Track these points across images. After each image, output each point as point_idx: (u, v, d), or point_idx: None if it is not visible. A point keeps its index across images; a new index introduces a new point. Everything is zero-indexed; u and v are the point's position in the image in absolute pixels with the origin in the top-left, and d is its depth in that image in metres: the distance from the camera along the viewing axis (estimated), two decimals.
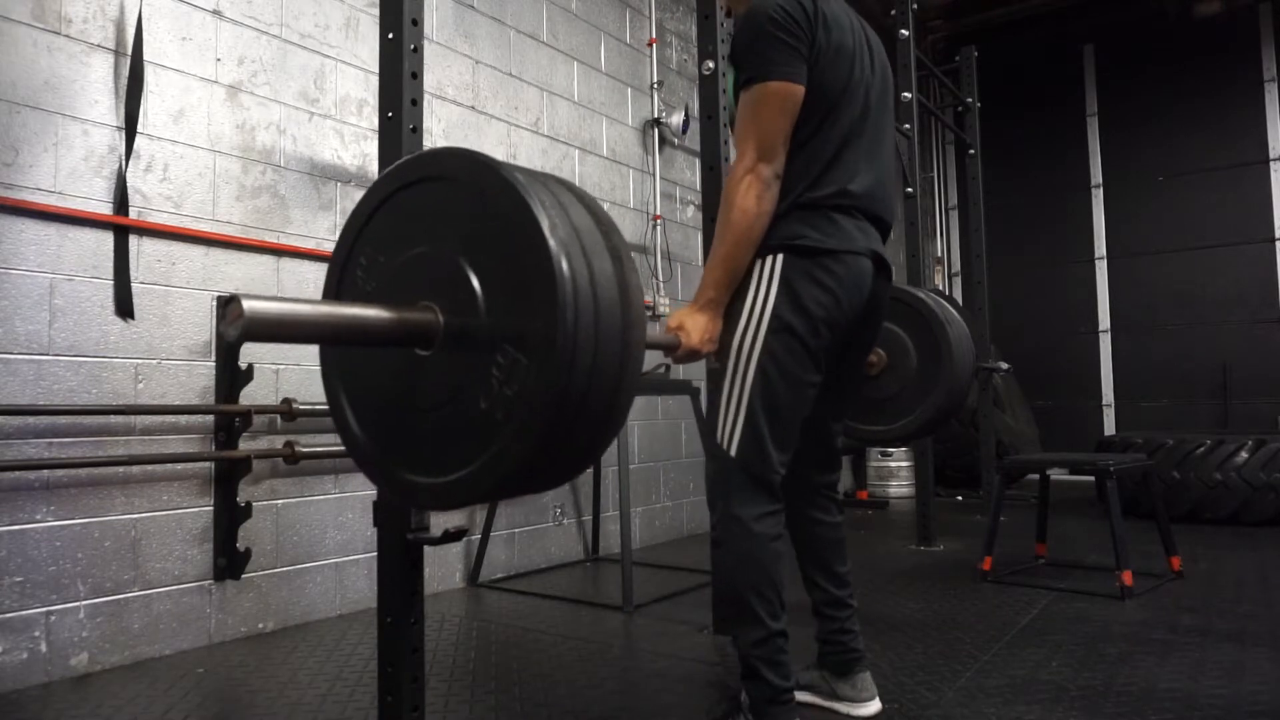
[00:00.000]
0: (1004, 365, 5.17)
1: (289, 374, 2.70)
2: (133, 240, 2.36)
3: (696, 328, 1.63)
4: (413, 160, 1.25)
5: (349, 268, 1.29)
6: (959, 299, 6.88)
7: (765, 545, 1.62)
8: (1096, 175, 7.23)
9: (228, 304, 0.98)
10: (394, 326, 1.12)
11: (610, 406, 1.11)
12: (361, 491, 2.82)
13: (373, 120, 3.01)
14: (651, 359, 4.59)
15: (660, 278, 4.30)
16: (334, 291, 1.31)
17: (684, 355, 1.64)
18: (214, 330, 2.51)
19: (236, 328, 0.97)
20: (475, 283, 1.12)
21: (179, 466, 2.41)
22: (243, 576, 2.50)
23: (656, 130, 4.31)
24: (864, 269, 1.71)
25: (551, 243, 1.05)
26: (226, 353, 2.50)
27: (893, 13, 4.14)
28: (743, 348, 1.64)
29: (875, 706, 1.86)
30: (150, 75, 2.41)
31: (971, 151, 5.13)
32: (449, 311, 1.14)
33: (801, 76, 1.61)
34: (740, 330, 1.64)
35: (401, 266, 1.21)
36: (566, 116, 3.86)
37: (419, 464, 1.19)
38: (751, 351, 1.63)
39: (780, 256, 1.63)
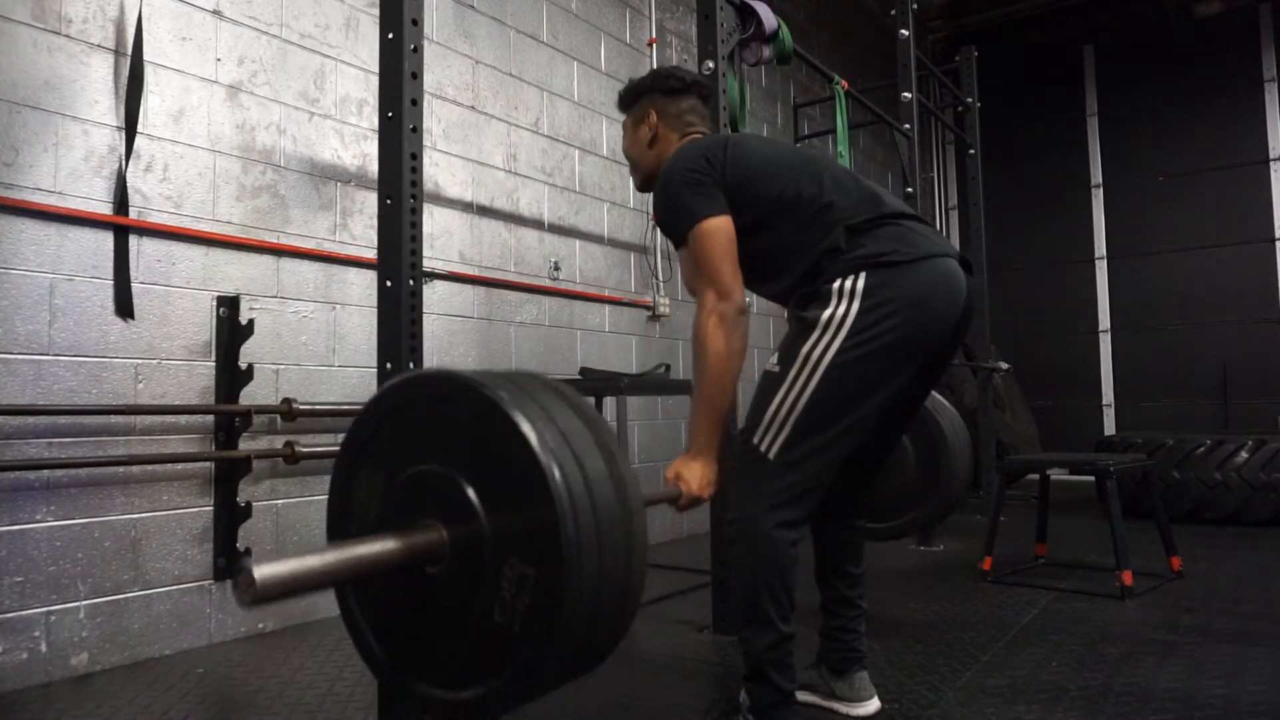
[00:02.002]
0: (1004, 365, 5.17)
1: (289, 374, 2.70)
2: (133, 240, 2.36)
3: (694, 476, 1.63)
4: (398, 384, 1.26)
5: (350, 490, 1.30)
6: None
7: (784, 549, 1.61)
8: (1096, 175, 7.24)
9: (238, 574, 0.98)
10: (404, 553, 1.13)
11: (623, 599, 1.13)
12: None
13: (373, 120, 3.01)
14: (651, 361, 4.56)
15: (660, 278, 4.30)
16: (337, 511, 1.32)
17: (686, 503, 1.64)
18: (214, 330, 2.51)
19: (250, 596, 0.97)
20: (474, 497, 1.13)
21: (179, 466, 2.41)
22: None
23: None
24: (954, 271, 1.66)
25: (541, 456, 1.06)
26: (226, 352, 2.50)
27: (893, 13, 4.14)
28: (810, 358, 1.58)
29: (874, 706, 1.86)
30: (150, 75, 2.41)
31: (971, 151, 5.13)
32: (452, 526, 1.16)
33: (725, 208, 1.67)
34: (813, 340, 1.59)
35: (402, 486, 1.22)
36: (566, 116, 3.86)
37: (441, 680, 1.20)
38: (820, 362, 1.57)
39: (864, 274, 1.58)
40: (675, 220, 1.70)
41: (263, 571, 0.97)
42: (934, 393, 2.68)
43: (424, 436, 1.22)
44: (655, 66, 4.34)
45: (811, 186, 1.68)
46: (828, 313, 1.58)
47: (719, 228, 1.65)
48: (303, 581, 1.03)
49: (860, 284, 1.58)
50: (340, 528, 1.32)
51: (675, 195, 1.70)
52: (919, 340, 1.60)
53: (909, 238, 1.63)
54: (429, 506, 1.18)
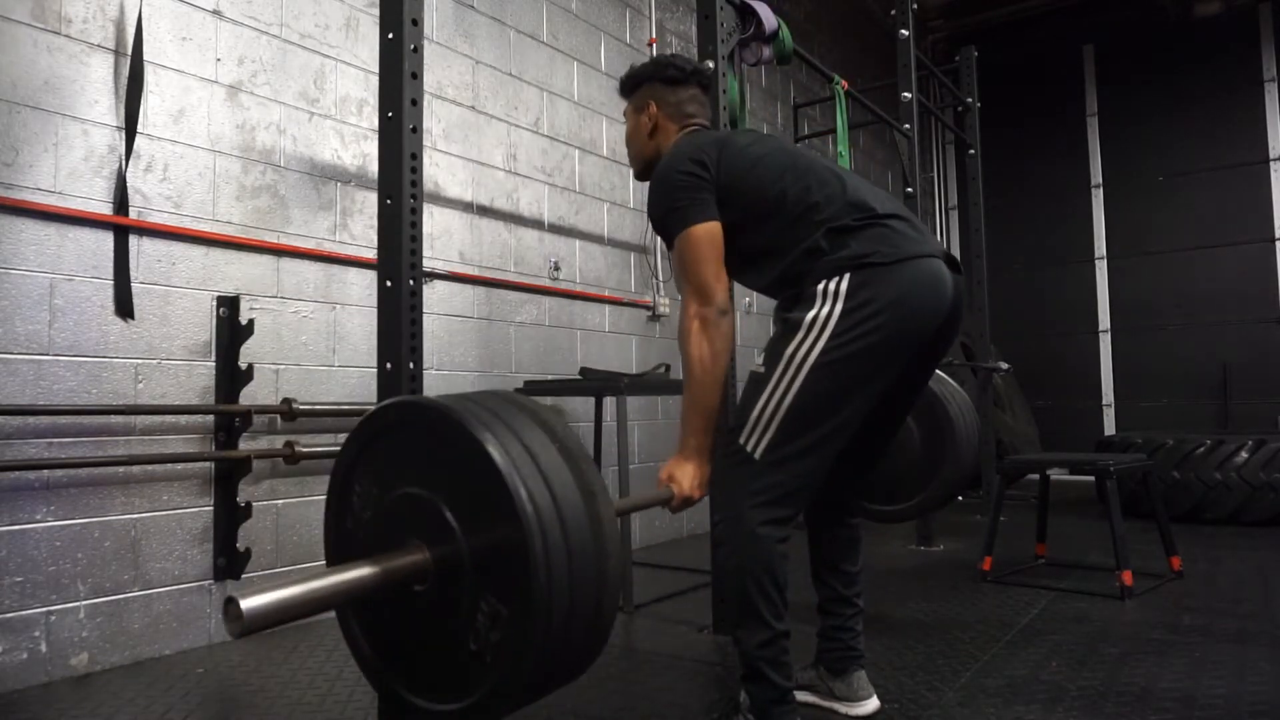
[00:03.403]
0: (1004, 365, 5.17)
1: (289, 374, 2.70)
2: (133, 240, 2.36)
3: (686, 476, 1.66)
4: (376, 413, 1.32)
5: (346, 492, 1.36)
6: None
7: (769, 547, 1.61)
8: (1096, 175, 7.24)
9: (227, 604, 1.03)
10: (386, 578, 1.19)
11: (593, 623, 1.18)
12: None
13: (373, 120, 3.01)
14: (651, 361, 4.56)
15: (660, 278, 4.30)
16: (335, 509, 1.38)
17: (679, 504, 1.67)
18: (214, 330, 2.51)
19: (238, 627, 1.02)
20: (452, 520, 1.19)
21: (179, 466, 2.41)
22: (243, 576, 2.50)
23: None
24: (939, 272, 1.66)
25: (507, 476, 1.11)
26: (226, 353, 2.50)
27: (893, 13, 4.14)
28: (794, 359, 1.60)
29: (873, 705, 1.86)
30: (150, 75, 2.41)
31: (971, 151, 5.13)
32: (434, 547, 1.21)
33: (714, 213, 1.70)
34: (797, 341, 1.60)
35: (391, 503, 1.28)
36: (566, 116, 3.86)
37: (421, 689, 1.27)
38: (804, 363, 1.58)
39: (848, 275, 1.59)
40: (665, 221, 1.73)
41: (249, 603, 1.03)
42: (944, 376, 2.67)
43: (412, 460, 1.27)
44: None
45: (797, 187, 1.69)
46: (811, 314, 1.60)
47: (705, 234, 1.68)
48: (288, 612, 1.08)
49: (844, 285, 1.59)
50: (338, 524, 1.37)
51: (667, 196, 1.72)
52: (903, 340, 1.61)
53: (893, 239, 1.63)
54: (415, 527, 1.23)
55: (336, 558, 1.37)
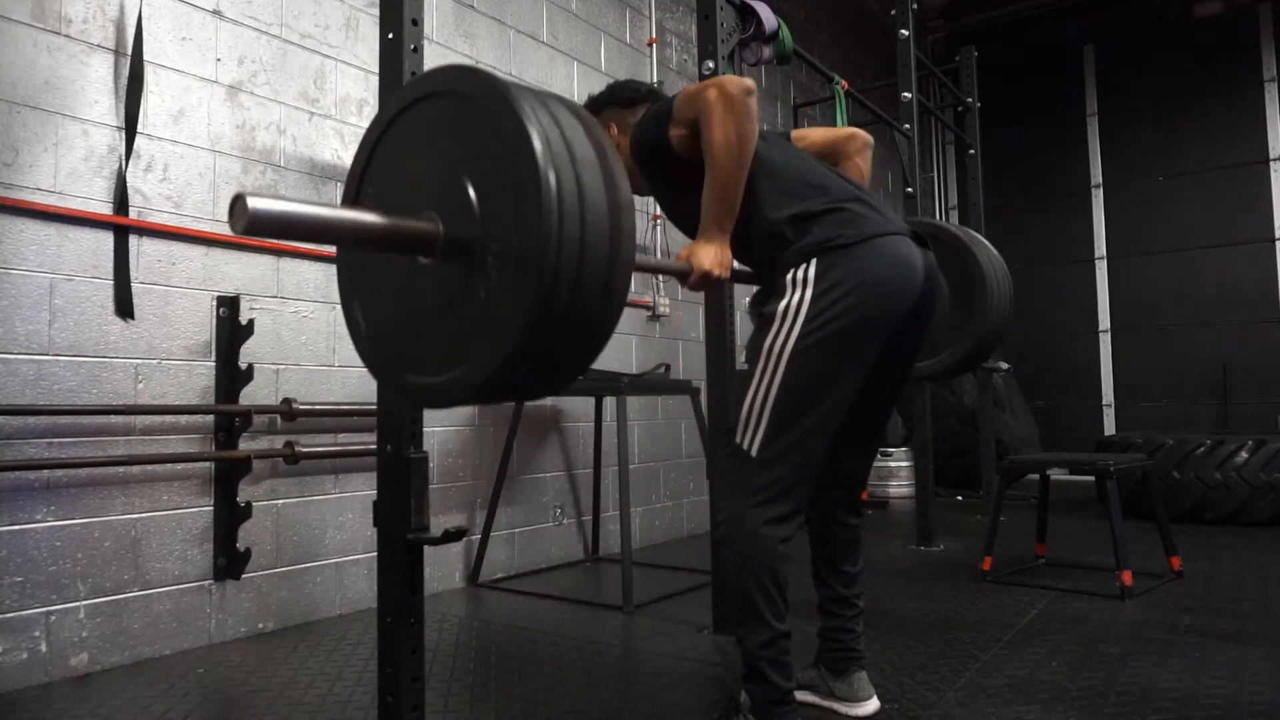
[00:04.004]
0: (1004, 365, 5.17)
1: (289, 374, 2.70)
2: (133, 240, 2.36)
3: (707, 254, 1.64)
4: (422, 77, 1.29)
5: (366, 178, 1.34)
6: None
7: (771, 546, 1.61)
8: (1096, 175, 7.24)
9: (234, 202, 1.01)
10: (392, 232, 1.16)
11: (599, 307, 1.15)
12: (361, 491, 2.82)
13: None
14: (651, 361, 4.55)
15: (660, 277, 4.30)
16: (353, 198, 1.36)
17: (698, 280, 1.65)
18: (214, 330, 2.51)
19: (242, 223, 1.00)
20: (473, 194, 1.16)
21: (179, 466, 2.41)
22: (243, 576, 2.50)
23: None
24: (907, 250, 1.67)
25: (541, 158, 1.08)
26: (226, 353, 2.50)
27: (893, 13, 4.14)
28: (773, 350, 1.61)
29: (873, 705, 1.87)
30: (150, 75, 2.41)
31: (971, 151, 5.13)
32: (450, 221, 1.18)
33: None
34: (773, 332, 1.61)
35: (411, 178, 1.26)
36: None
37: (420, 366, 1.24)
38: (783, 353, 1.60)
39: (814, 260, 1.61)
40: (659, 114, 1.75)
41: (257, 203, 1.01)
42: (975, 234, 2.59)
43: (437, 132, 1.24)
44: (654, 67, 4.35)
45: (763, 173, 1.70)
46: (783, 304, 1.61)
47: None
48: (293, 222, 1.07)
49: (811, 271, 1.61)
50: (358, 190, 1.37)
51: (653, 110, 1.76)
52: (876, 318, 1.61)
53: (856, 221, 1.64)
54: (431, 202, 1.21)
55: None
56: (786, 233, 1.65)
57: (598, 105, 2.02)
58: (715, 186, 1.63)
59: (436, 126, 1.24)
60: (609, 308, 1.17)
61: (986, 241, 2.58)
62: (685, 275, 1.65)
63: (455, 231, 1.17)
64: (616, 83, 2.06)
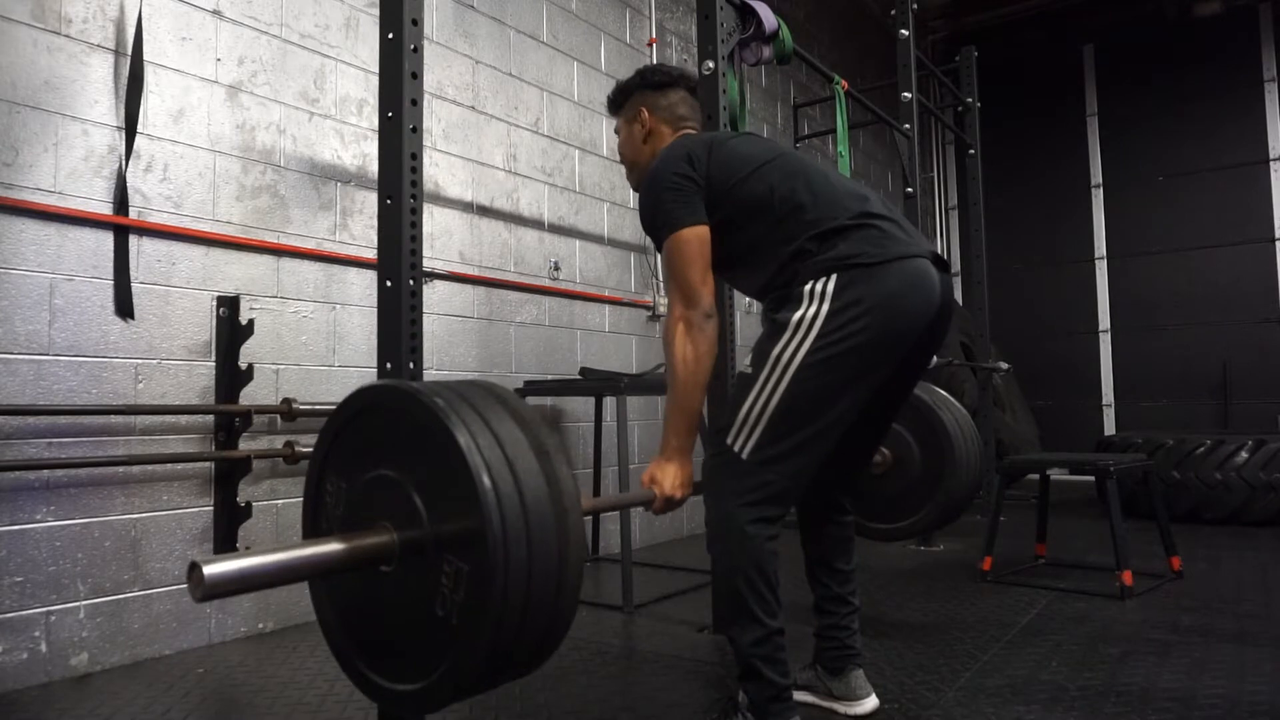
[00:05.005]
0: (1004, 365, 5.17)
1: (289, 374, 2.70)
2: (133, 240, 2.36)
3: (668, 477, 1.67)
4: (350, 397, 1.36)
5: (320, 494, 1.38)
6: (959, 299, 6.87)
7: (759, 545, 1.61)
8: (1096, 175, 7.24)
9: (191, 569, 1.04)
10: (350, 556, 1.19)
11: (556, 593, 1.18)
12: None
13: (373, 120, 3.01)
14: (651, 360, 4.56)
15: (660, 277, 4.30)
16: (310, 516, 1.39)
17: (661, 505, 1.68)
18: (214, 330, 2.51)
19: (199, 591, 1.03)
20: (418, 501, 1.20)
21: (179, 466, 2.41)
22: None
23: None
24: (926, 271, 1.65)
25: (470, 456, 1.12)
26: (226, 353, 2.50)
27: (893, 13, 4.14)
28: (781, 359, 1.60)
29: (871, 704, 1.87)
30: (150, 75, 2.41)
31: (971, 151, 5.13)
32: (401, 528, 1.22)
33: (703, 216, 1.70)
34: (784, 341, 1.60)
35: (362, 489, 1.29)
36: (566, 116, 3.86)
37: (390, 672, 1.27)
38: (790, 364, 1.59)
39: (834, 276, 1.60)
40: (655, 224, 1.74)
41: (211, 570, 1.03)
42: (939, 390, 2.68)
43: (380, 443, 1.28)
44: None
45: (785, 187, 1.69)
46: (798, 314, 1.60)
47: (694, 236, 1.69)
48: (251, 581, 1.09)
49: (830, 286, 1.60)
50: (313, 527, 1.40)
51: (657, 199, 1.73)
52: (890, 341, 1.61)
53: (881, 239, 1.63)
54: (383, 509, 1.24)
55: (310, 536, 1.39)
56: (809, 247, 1.64)
57: (627, 91, 1.99)
58: (674, 402, 1.67)
59: (379, 439, 1.28)
60: (562, 605, 1.20)
61: (956, 404, 2.66)
62: (648, 503, 1.68)
63: (410, 539, 1.20)
64: (646, 67, 2.03)
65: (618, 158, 2.06)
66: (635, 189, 2.04)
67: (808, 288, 1.61)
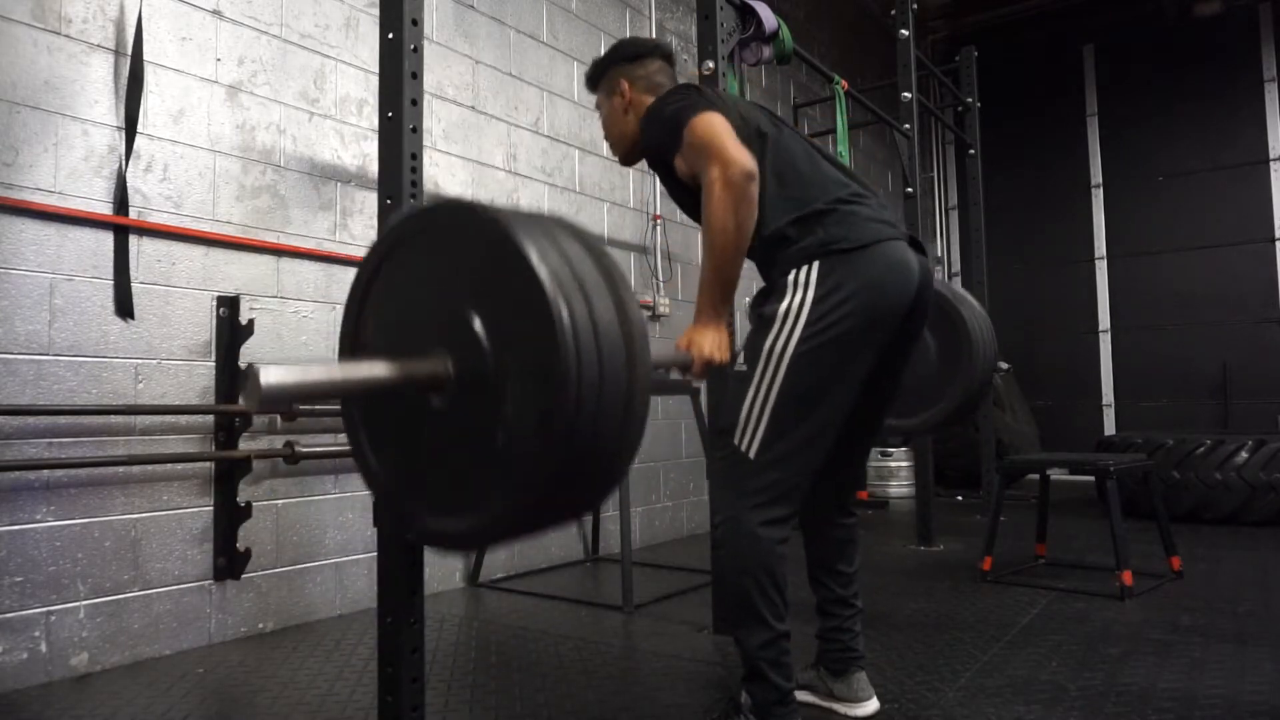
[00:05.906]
0: (1004, 365, 5.17)
1: None
2: (133, 240, 2.36)
3: (706, 340, 1.64)
4: (414, 214, 1.26)
5: (362, 321, 1.31)
6: None
7: (769, 548, 1.61)
8: (1096, 175, 7.23)
9: (245, 375, 1.01)
10: (402, 380, 1.15)
11: (620, 435, 1.13)
12: (361, 491, 2.82)
13: (373, 120, 3.01)
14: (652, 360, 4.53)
15: (660, 277, 4.30)
16: (350, 344, 1.32)
17: (700, 369, 1.64)
18: (214, 330, 2.51)
19: (255, 399, 1.01)
20: (481, 330, 1.14)
21: (179, 466, 2.41)
22: (243, 576, 2.50)
23: None
24: (905, 255, 1.67)
25: (549, 288, 1.06)
26: (226, 353, 2.50)
27: (893, 13, 4.14)
28: (774, 352, 1.60)
29: (873, 706, 1.87)
30: (150, 75, 2.41)
31: (971, 151, 5.13)
32: (459, 358, 1.16)
33: (718, 108, 1.66)
34: (774, 334, 1.61)
35: (413, 317, 1.23)
36: (566, 116, 3.86)
37: (442, 509, 1.20)
38: (783, 355, 1.59)
39: (816, 264, 1.61)
40: (668, 126, 1.67)
41: (269, 377, 1.01)
42: (959, 289, 2.65)
43: (435, 269, 1.21)
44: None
45: (771, 181, 1.69)
46: (784, 305, 1.61)
47: (717, 118, 1.62)
48: (305, 390, 1.07)
49: (813, 274, 1.61)
50: (355, 331, 1.33)
51: (661, 112, 1.71)
52: (875, 324, 1.62)
53: (858, 223, 1.64)
54: (437, 340, 1.18)
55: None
56: (789, 233, 1.65)
57: (603, 67, 1.96)
58: (712, 269, 1.62)
59: (435, 263, 1.22)
60: (628, 438, 1.14)
61: (971, 298, 2.63)
62: (686, 365, 1.64)
63: (466, 368, 1.15)
64: (619, 41, 2.01)
65: (618, 158, 2.06)
66: (623, 163, 2.02)
67: (790, 277, 1.63)
